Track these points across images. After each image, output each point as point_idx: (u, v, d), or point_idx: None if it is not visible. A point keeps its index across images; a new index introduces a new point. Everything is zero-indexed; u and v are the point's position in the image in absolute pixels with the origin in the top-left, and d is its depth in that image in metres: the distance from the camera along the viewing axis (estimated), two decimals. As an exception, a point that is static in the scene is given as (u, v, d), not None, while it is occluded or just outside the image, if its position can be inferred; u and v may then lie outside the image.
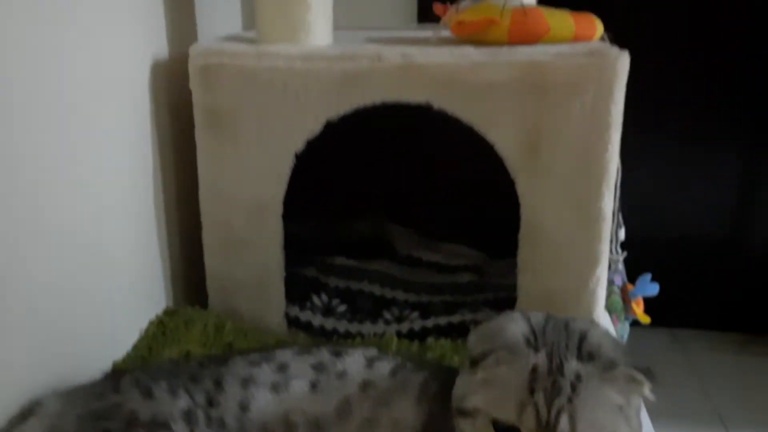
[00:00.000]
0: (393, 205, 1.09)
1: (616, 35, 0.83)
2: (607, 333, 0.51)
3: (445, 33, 0.85)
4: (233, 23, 1.08)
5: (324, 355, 0.57)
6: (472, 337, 0.51)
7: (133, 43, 0.76)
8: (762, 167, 1.57)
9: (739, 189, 1.59)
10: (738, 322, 1.68)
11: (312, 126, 0.78)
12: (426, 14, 1.38)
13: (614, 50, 0.74)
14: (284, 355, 0.57)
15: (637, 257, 1.06)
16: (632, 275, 1.04)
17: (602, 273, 0.80)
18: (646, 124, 1.46)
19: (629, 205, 0.98)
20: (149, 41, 0.79)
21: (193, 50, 0.77)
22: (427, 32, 1.01)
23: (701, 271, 1.65)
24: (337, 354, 0.58)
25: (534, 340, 0.49)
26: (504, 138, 0.76)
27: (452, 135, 0.79)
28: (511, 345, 0.48)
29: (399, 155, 1.04)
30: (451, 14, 0.84)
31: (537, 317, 0.52)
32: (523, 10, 0.78)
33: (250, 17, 1.13)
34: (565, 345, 0.48)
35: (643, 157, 1.49)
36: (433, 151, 1.03)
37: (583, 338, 0.49)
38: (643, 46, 1.41)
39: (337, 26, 0.85)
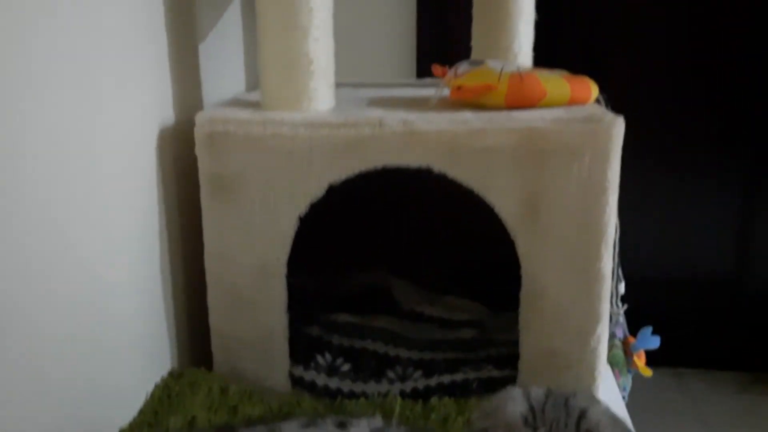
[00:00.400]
0: (395, 258, 1.10)
1: (614, 84, 0.85)
2: (606, 410, 0.52)
3: (444, 91, 0.87)
4: (237, 83, 1.11)
5: (329, 428, 0.58)
6: (474, 415, 0.52)
7: (141, 111, 0.78)
8: (761, 205, 1.58)
9: (738, 227, 1.61)
10: (741, 361, 1.68)
11: (315, 190, 0.79)
12: (424, 70, 1.41)
13: (609, 115, 0.76)
14: (290, 429, 0.58)
15: (640, 297, 1.07)
16: (635, 316, 1.05)
17: (603, 331, 0.81)
18: (644, 165, 1.48)
19: (630, 246, 0.99)
20: (156, 109, 0.81)
21: (199, 118, 0.79)
22: (427, 89, 1.04)
23: (703, 310, 1.66)
24: (342, 426, 0.59)
25: (533, 419, 0.50)
26: (503, 201, 0.78)
27: (453, 195, 0.81)
28: (509, 425, 0.49)
29: (401, 212, 1.06)
30: (449, 77, 0.86)
31: (537, 393, 0.53)
32: (520, 75, 0.80)
33: (253, 76, 1.16)
34: (564, 423, 0.49)
35: (641, 197, 1.51)
36: (435, 208, 1.04)
37: (582, 416, 0.50)
38: (641, 87, 1.44)
39: (339, 77, 0.87)
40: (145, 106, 0.79)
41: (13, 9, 0.54)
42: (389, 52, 1.43)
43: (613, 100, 0.87)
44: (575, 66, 1.20)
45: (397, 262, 1.10)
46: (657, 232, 1.59)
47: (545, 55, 1.10)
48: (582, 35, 1.44)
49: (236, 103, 0.89)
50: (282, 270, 0.82)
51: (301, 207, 0.80)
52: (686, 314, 1.63)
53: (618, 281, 0.96)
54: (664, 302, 1.61)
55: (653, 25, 1.45)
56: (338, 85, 0.88)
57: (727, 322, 1.65)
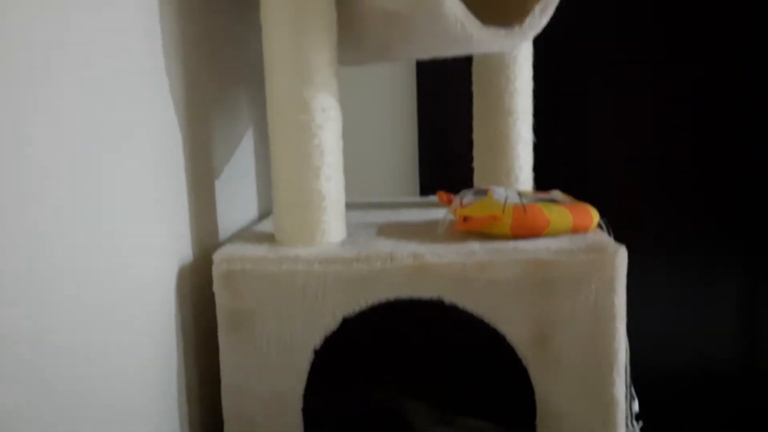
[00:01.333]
0: (408, 380, 1.11)
1: (612, 185, 0.88)
2: None
3: (449, 216, 0.91)
4: (250, 209, 1.15)
5: None
6: None
7: (161, 250, 0.81)
8: (765, 296, 1.59)
9: (742, 316, 1.61)
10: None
11: (330, 323, 0.81)
12: (427, 185, 1.47)
13: (612, 245, 0.79)
14: None
15: (643, 391, 1.05)
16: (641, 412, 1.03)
17: (621, 456, 0.81)
18: (644, 256, 1.50)
19: (632, 340, 0.98)
20: (176, 247, 0.84)
21: (217, 257, 0.82)
22: (432, 210, 1.08)
23: (709, 403, 1.63)
24: None
25: None
26: (514, 330, 0.80)
27: (465, 321, 0.83)
28: None
29: (414, 336, 1.07)
30: (455, 206, 0.90)
31: None
32: (523, 207, 0.84)
33: (264, 200, 1.21)
34: None
35: (641, 289, 1.51)
36: (448, 332, 1.06)
37: None
38: (638, 186, 1.48)
39: (347, 194, 0.91)
40: (165, 246, 0.82)
41: (19, 174, 0.58)
42: (392, 168, 1.49)
43: (611, 202, 0.90)
44: (574, 181, 1.25)
45: (411, 384, 1.10)
46: (659, 324, 1.59)
47: (545, 175, 1.15)
48: (579, 154, 1.50)
49: (251, 236, 0.93)
50: (298, 402, 0.83)
51: (316, 340, 0.82)
52: (692, 407, 1.60)
53: (632, 399, 0.96)
54: (668, 395, 1.59)
55: (646, 137, 1.51)
56: (347, 205, 0.91)
57: (734, 414, 1.62)
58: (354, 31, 0.90)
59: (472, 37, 0.84)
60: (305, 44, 0.82)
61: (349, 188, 0.93)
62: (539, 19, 0.91)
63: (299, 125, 0.84)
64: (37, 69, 0.57)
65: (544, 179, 1.15)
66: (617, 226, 0.89)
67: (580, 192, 1.21)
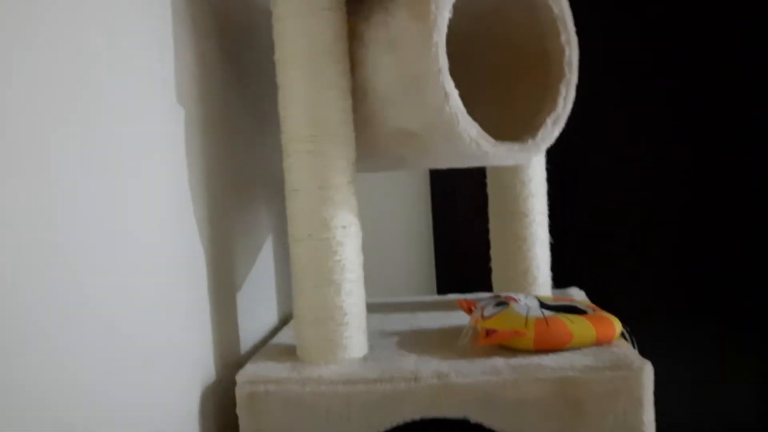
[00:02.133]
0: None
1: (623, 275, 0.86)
2: None
3: (471, 328, 0.91)
4: (270, 315, 1.15)
5: None
6: None
7: (184, 373, 0.81)
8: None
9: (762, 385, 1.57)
10: None
11: (354, 444, 0.80)
12: (444, 286, 1.47)
13: (637, 360, 0.79)
14: None
15: None
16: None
17: None
18: (666, 343, 1.48)
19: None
20: (198, 368, 0.84)
21: (240, 378, 0.82)
22: (452, 313, 1.08)
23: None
24: None
25: None
26: (542, 449, 0.78)
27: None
28: None
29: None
30: (476, 317, 0.90)
31: None
32: (545, 320, 0.84)
33: (284, 305, 1.21)
34: None
35: (665, 369, 1.48)
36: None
37: None
38: (658, 266, 1.48)
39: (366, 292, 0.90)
40: (188, 368, 0.82)
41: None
42: (409, 266, 1.50)
43: (627, 295, 0.89)
44: (589, 278, 1.25)
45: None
46: (684, 402, 1.55)
47: (562, 273, 1.15)
48: (592, 251, 1.50)
49: (273, 352, 0.93)
50: None
51: (341, 461, 0.81)
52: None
53: None
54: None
55: (658, 231, 1.51)
56: (367, 307, 0.91)
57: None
58: (371, 146, 0.93)
59: (487, 154, 0.86)
60: (325, 165, 0.85)
61: (367, 287, 0.93)
62: (551, 131, 0.93)
63: (320, 243, 0.85)
64: (65, 186, 0.59)
65: (562, 279, 1.15)
66: (633, 316, 0.88)
67: (596, 288, 1.21)
